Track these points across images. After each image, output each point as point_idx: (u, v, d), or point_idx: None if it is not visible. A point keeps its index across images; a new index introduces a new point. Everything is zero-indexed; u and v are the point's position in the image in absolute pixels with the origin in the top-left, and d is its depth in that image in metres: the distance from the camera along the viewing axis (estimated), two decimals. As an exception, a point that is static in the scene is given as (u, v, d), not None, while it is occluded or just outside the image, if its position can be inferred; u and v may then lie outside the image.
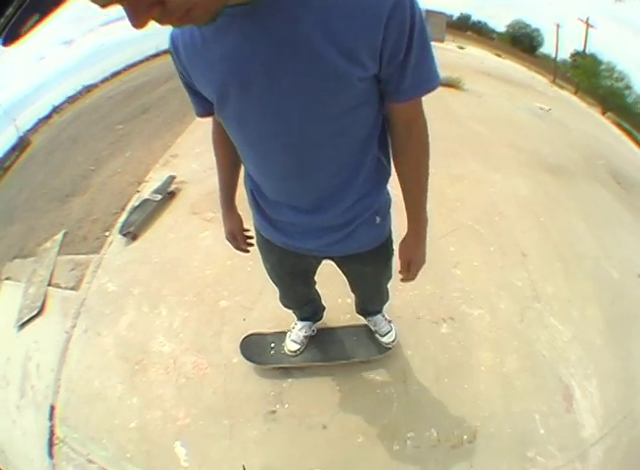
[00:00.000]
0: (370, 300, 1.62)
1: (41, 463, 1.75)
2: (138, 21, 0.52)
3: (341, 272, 1.33)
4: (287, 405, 1.69)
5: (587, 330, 2.05)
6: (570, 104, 7.50)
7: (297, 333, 1.75)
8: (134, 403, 1.81)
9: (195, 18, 0.56)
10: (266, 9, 0.65)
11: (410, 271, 1.12)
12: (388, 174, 1.00)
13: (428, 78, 0.79)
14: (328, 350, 1.76)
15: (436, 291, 2.09)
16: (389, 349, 1.75)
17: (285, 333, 1.79)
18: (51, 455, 1.75)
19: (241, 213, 1.26)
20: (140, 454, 1.65)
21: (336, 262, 1.22)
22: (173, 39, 0.80)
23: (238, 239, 1.25)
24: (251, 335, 1.84)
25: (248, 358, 1.76)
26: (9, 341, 2.42)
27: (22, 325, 2.45)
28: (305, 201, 0.94)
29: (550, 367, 1.86)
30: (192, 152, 3.65)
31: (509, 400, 1.72)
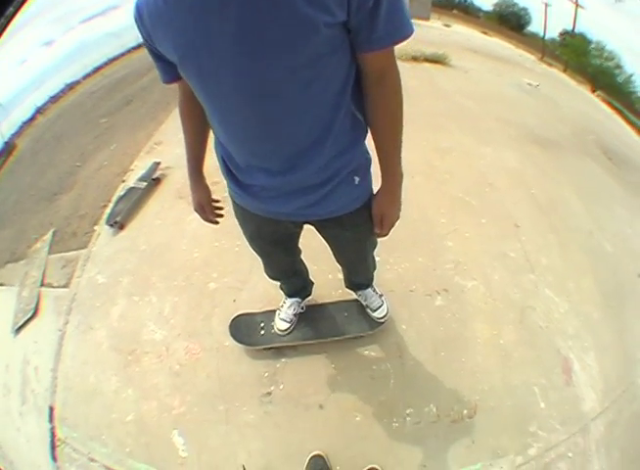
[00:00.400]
0: (355, 269, 1.58)
1: (47, 467, 1.73)
2: None
3: (324, 241, 1.30)
4: (282, 386, 1.67)
5: (583, 302, 2.03)
6: (558, 81, 7.45)
7: (285, 311, 1.72)
8: (130, 395, 1.79)
9: None
10: None
11: (383, 227, 1.10)
12: (366, 131, 0.97)
13: (400, 27, 0.77)
14: (319, 327, 1.73)
15: (429, 263, 2.06)
16: (381, 323, 1.72)
17: (274, 312, 1.76)
18: (54, 458, 1.73)
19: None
20: (139, 447, 1.64)
21: (315, 227, 1.19)
22: (138, 7, 0.80)
23: (206, 210, 1.23)
24: (240, 316, 1.81)
25: (238, 340, 1.73)
26: (6, 347, 2.38)
27: (19, 329, 2.41)
28: (276, 161, 0.91)
29: (548, 339, 1.84)
30: (175, 138, 3.50)
31: (508, 373, 1.71)
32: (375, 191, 1.08)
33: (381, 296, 1.74)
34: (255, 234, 1.27)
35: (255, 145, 0.90)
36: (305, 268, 1.65)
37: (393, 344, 1.75)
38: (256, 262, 1.51)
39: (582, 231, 2.49)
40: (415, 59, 5.26)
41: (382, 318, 1.71)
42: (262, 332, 1.74)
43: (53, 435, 1.79)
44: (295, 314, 1.72)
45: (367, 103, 0.90)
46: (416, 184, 2.50)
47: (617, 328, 1.95)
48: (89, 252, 2.65)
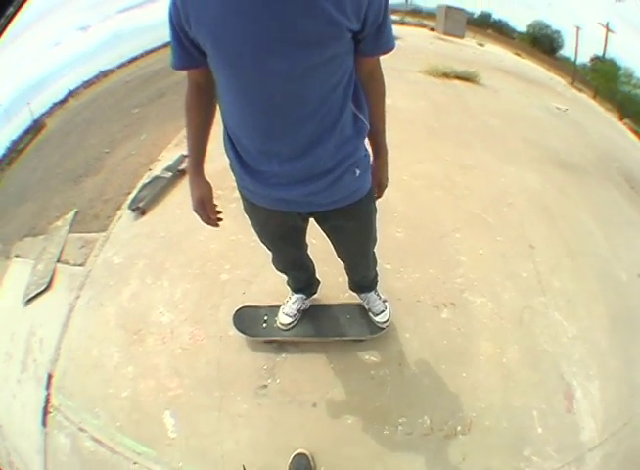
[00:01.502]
0: (355, 265, 1.61)
1: (37, 436, 1.77)
2: None
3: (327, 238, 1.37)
4: (278, 380, 1.68)
5: (592, 329, 1.99)
6: (587, 106, 7.40)
7: (290, 306, 1.75)
8: (129, 372, 1.82)
9: None
10: None
11: (379, 192, 1.29)
12: (365, 131, 1.11)
13: (392, 40, 0.98)
14: (320, 325, 1.75)
15: (439, 276, 2.05)
16: (382, 329, 1.73)
17: (279, 307, 1.78)
18: (44, 424, 1.78)
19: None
20: (130, 423, 1.67)
21: (319, 219, 1.26)
22: None
23: (207, 207, 1.21)
24: (245, 307, 1.84)
25: (240, 330, 1.76)
26: (15, 317, 2.46)
27: (29, 301, 2.49)
28: (288, 146, 1.00)
29: (552, 363, 1.81)
30: None
31: (508, 394, 1.69)
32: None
33: (384, 301, 1.75)
34: (265, 226, 1.34)
35: (272, 128, 0.98)
36: (312, 265, 1.69)
37: (395, 351, 1.75)
38: (269, 259, 1.54)
39: (598, 257, 2.45)
40: (446, 75, 5.28)
41: (383, 323, 1.71)
42: (265, 325, 1.76)
43: (47, 401, 1.84)
44: (298, 310, 1.75)
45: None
46: (436, 197, 2.53)
47: (624, 358, 1.91)
48: (108, 233, 2.72)
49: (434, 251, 2.18)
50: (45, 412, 1.82)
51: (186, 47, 0.94)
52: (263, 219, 1.28)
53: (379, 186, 1.27)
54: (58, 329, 2.13)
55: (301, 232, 1.39)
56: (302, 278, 1.71)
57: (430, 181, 2.66)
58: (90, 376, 1.87)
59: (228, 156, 1.12)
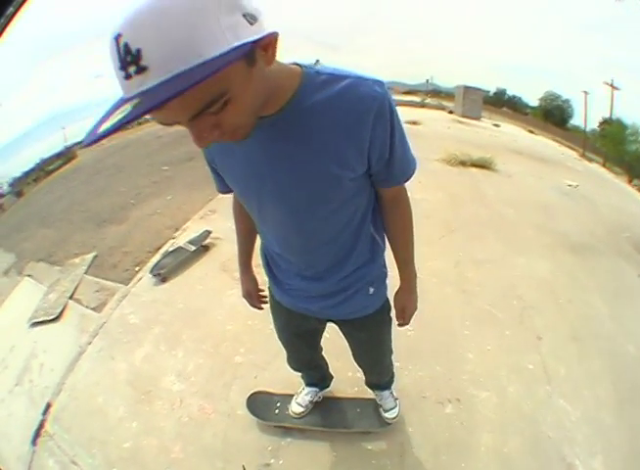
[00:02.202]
0: (370, 370, 1.64)
1: (20, 445, 1.83)
2: (201, 142, 0.65)
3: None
4: (281, 461, 1.70)
5: (597, 409, 2.01)
6: (597, 176, 7.66)
7: (302, 397, 1.79)
8: (133, 427, 1.86)
9: (240, 134, 0.70)
10: (281, 122, 0.78)
11: (405, 317, 1.27)
12: (382, 251, 1.14)
13: (408, 168, 0.96)
14: (330, 417, 1.79)
15: (446, 372, 2.10)
16: (389, 424, 1.76)
17: (292, 396, 1.83)
18: (34, 443, 1.84)
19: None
20: (126, 472, 1.69)
21: (337, 325, 1.33)
22: None
23: (253, 297, 1.40)
24: (259, 392, 1.88)
25: (252, 412, 1.80)
26: (17, 333, 2.56)
27: (35, 324, 2.61)
28: (310, 271, 1.08)
29: (554, 448, 1.82)
30: (229, 210, 3.78)
31: None
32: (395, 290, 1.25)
33: (396, 399, 1.79)
34: (285, 325, 1.41)
35: (295, 259, 1.07)
36: (326, 363, 1.75)
37: (397, 443, 1.77)
38: (283, 349, 1.61)
39: (605, 337, 2.48)
40: (463, 163, 5.52)
41: (392, 419, 1.75)
42: (277, 411, 1.80)
43: (41, 425, 1.91)
44: (311, 401, 1.79)
45: (384, 220, 1.09)
46: (445, 295, 2.62)
47: (630, 430, 1.92)
48: (128, 290, 2.82)
49: (443, 348, 2.23)
50: (37, 434, 1.88)
51: (221, 178, 1.03)
52: (285, 318, 1.36)
53: (404, 311, 1.26)
54: (63, 364, 2.21)
55: (318, 334, 1.48)
56: (315, 375, 1.77)
57: (442, 278, 2.78)
58: (92, 419, 1.92)
59: (262, 262, 1.22)
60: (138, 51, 0.51)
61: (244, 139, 0.72)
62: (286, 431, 1.79)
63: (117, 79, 0.56)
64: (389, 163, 0.89)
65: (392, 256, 1.17)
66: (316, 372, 1.75)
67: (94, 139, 0.54)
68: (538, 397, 2.04)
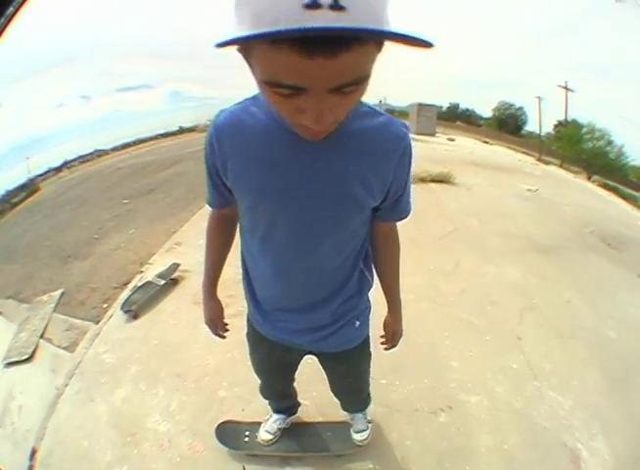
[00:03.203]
0: (346, 399, 1.63)
1: None
2: (320, 122, 0.61)
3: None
4: (283, 495, 1.65)
5: (588, 394, 2.09)
6: (556, 178, 7.95)
7: (270, 424, 1.76)
8: None
9: (323, 132, 0.71)
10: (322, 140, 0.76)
11: (394, 340, 1.31)
12: (370, 286, 1.16)
13: (408, 208, 1.03)
14: (302, 442, 1.77)
15: (434, 383, 2.12)
16: (360, 446, 1.75)
17: (259, 423, 1.79)
18: None
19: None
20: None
21: (317, 357, 1.31)
22: (219, 128, 0.86)
23: (217, 325, 1.30)
24: (227, 422, 1.85)
25: (222, 442, 1.76)
26: None
27: (9, 365, 2.48)
28: (301, 303, 1.07)
29: (553, 437, 1.87)
30: (196, 242, 3.72)
31: None
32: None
33: (369, 422, 1.77)
34: (265, 357, 1.36)
35: (288, 288, 1.04)
36: (295, 393, 1.73)
37: (399, 458, 1.76)
38: None
39: (585, 328, 2.59)
40: (422, 180, 5.66)
41: (362, 442, 1.73)
42: (246, 439, 1.77)
43: None
44: (279, 428, 1.76)
45: (375, 254, 1.13)
46: (422, 309, 2.67)
47: (625, 407, 2.00)
48: (99, 329, 2.70)
49: (427, 360, 2.26)
50: None
51: (221, 191, 0.97)
52: (266, 350, 1.30)
53: (394, 336, 1.30)
54: (41, 405, 2.09)
55: (295, 365, 1.44)
56: (284, 404, 1.75)
57: (417, 294, 2.79)
58: (80, 465, 1.80)
59: (245, 291, 1.16)
60: None
61: (316, 139, 0.73)
62: (283, 461, 1.74)
63: (282, 9, 0.47)
64: (399, 199, 0.96)
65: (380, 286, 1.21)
66: (287, 401, 1.73)
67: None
68: (527, 393, 2.10)
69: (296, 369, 1.48)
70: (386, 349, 1.33)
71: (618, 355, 2.37)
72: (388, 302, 1.25)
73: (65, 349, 2.59)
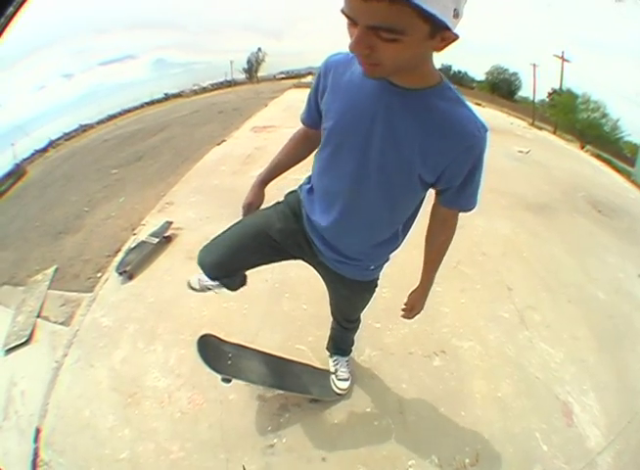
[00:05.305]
0: (340, 317, 1.63)
1: None
2: (356, 47, 0.74)
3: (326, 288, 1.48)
4: (285, 439, 1.69)
5: (579, 350, 2.13)
6: (549, 143, 7.87)
7: (200, 277, 1.63)
8: (126, 435, 1.78)
9: (374, 71, 0.80)
10: (420, 98, 0.89)
11: (412, 313, 1.38)
12: (396, 247, 1.27)
13: (472, 202, 1.08)
14: (285, 380, 1.78)
15: (426, 328, 2.15)
16: (340, 395, 1.78)
17: (245, 348, 1.78)
18: None
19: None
20: (131, 485, 1.61)
21: (324, 270, 1.35)
22: (327, 67, 1.02)
23: (252, 211, 1.37)
24: (210, 336, 1.73)
25: (204, 359, 1.61)
26: None
27: (9, 350, 2.46)
28: (333, 241, 1.20)
29: (545, 388, 1.92)
30: (187, 200, 3.75)
31: (507, 422, 1.76)
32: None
33: (350, 372, 1.82)
34: (273, 222, 1.29)
35: (336, 213, 1.12)
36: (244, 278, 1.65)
37: (395, 401, 1.81)
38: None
39: (574, 285, 2.63)
40: None
41: (341, 390, 1.77)
42: (229, 362, 1.68)
43: (36, 455, 1.78)
44: (208, 286, 1.66)
45: (429, 233, 1.21)
46: (414, 256, 2.61)
47: (614, 367, 2.04)
48: (95, 294, 2.70)
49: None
50: (34, 465, 1.76)
51: (313, 112, 1.12)
52: (281, 218, 1.28)
53: (412, 308, 1.37)
54: (43, 385, 2.09)
55: (281, 257, 1.37)
56: (225, 282, 1.59)
57: (407, 242, 2.74)
58: (82, 436, 1.81)
59: (304, 200, 1.24)
60: None
61: (370, 76, 0.83)
62: (282, 407, 1.78)
63: None
64: (461, 190, 1.01)
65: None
66: (228, 280, 1.57)
67: None
68: (519, 342, 2.15)
69: (274, 259, 1.40)
70: (402, 316, 1.41)
71: (608, 316, 2.40)
72: (422, 275, 1.32)
73: (62, 324, 2.59)
